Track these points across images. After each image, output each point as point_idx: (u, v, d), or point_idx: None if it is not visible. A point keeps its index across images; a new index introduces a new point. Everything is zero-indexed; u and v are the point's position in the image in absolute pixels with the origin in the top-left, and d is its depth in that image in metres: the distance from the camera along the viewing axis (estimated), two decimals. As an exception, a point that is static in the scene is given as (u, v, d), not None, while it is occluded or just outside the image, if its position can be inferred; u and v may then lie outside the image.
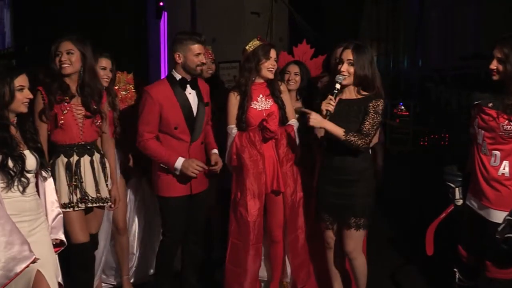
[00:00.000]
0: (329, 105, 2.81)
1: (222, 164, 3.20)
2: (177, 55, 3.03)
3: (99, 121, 2.98)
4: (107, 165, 3.05)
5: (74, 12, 7.52)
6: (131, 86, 3.59)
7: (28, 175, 2.39)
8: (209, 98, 3.23)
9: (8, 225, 2.19)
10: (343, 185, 2.89)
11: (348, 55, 2.86)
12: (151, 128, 3.02)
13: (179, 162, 3.01)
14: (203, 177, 3.21)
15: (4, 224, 2.17)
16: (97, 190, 2.96)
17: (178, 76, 3.08)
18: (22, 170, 2.34)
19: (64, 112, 2.86)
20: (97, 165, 2.98)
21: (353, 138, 2.79)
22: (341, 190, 2.91)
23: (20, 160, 2.34)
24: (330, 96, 2.83)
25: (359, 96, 2.89)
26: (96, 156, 2.99)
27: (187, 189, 3.11)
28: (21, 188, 2.35)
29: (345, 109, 2.90)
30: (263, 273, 3.40)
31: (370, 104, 2.84)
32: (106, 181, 3.02)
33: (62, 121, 2.85)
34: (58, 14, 7.48)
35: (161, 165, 3.05)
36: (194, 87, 3.12)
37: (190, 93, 3.10)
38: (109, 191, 3.06)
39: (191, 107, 3.09)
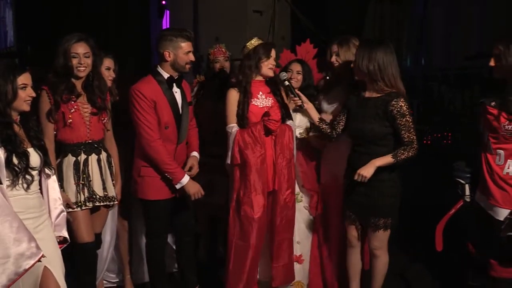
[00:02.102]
0: (292, 103, 3.17)
1: (198, 171, 3.17)
2: (167, 53, 2.97)
3: (105, 118, 2.98)
4: (115, 162, 3.05)
5: (76, 12, 7.52)
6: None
7: (33, 172, 2.39)
8: (190, 97, 3.23)
9: (15, 222, 2.20)
10: (369, 184, 2.88)
11: (334, 48, 3.18)
12: (155, 127, 2.97)
13: (186, 178, 3.02)
14: None
15: (11, 221, 2.18)
16: (104, 189, 2.97)
17: (165, 75, 3.02)
18: (26, 167, 2.35)
19: (72, 110, 2.87)
20: (104, 163, 2.98)
21: (404, 156, 2.81)
22: (367, 190, 2.90)
23: (25, 157, 2.35)
24: (290, 95, 3.16)
25: (379, 95, 2.87)
26: (103, 155, 2.99)
27: (172, 191, 3.08)
28: (25, 186, 2.36)
29: (363, 108, 2.91)
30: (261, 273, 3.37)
31: (392, 108, 2.79)
32: (112, 179, 3.02)
33: (71, 120, 2.86)
34: (60, 13, 7.48)
35: (165, 173, 3.00)
36: (179, 85, 3.08)
37: (176, 92, 3.07)
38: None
39: (178, 106, 3.06)
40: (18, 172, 2.33)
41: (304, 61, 3.63)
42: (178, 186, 3.03)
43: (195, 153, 3.23)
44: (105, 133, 3.04)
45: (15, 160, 2.32)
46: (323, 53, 3.92)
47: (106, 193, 2.98)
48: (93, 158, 2.95)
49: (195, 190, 3.07)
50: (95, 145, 2.96)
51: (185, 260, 3.32)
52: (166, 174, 3.01)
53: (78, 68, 2.85)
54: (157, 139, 2.97)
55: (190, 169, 3.14)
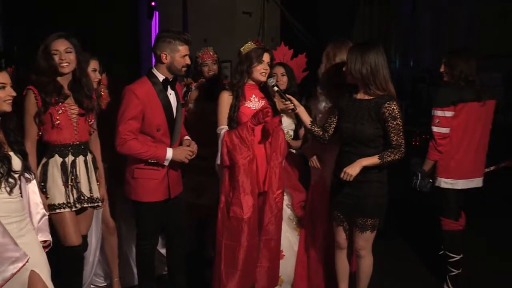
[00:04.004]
0: (285, 106, 3.14)
1: (196, 146, 3.14)
2: (164, 55, 2.95)
3: (92, 120, 2.95)
4: (99, 165, 3.03)
5: (64, 12, 7.47)
6: (104, 86, 3.51)
7: (15, 176, 2.34)
8: (182, 99, 3.23)
9: (0, 227, 2.16)
10: (357, 185, 2.88)
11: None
12: (133, 128, 2.92)
13: (170, 152, 2.99)
14: (179, 179, 3.20)
15: None
16: (90, 190, 2.95)
17: (160, 77, 3.00)
18: (9, 170, 2.30)
19: (59, 112, 2.84)
20: (90, 165, 2.96)
21: (390, 158, 2.83)
22: (354, 190, 2.91)
23: (6, 160, 2.30)
24: (281, 100, 3.13)
25: (370, 97, 2.89)
26: (89, 156, 2.98)
27: (165, 193, 3.07)
28: (8, 189, 2.31)
29: (355, 109, 2.91)
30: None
31: (384, 110, 2.81)
32: (97, 181, 3.01)
33: (58, 122, 2.83)
34: (48, 14, 7.42)
35: (149, 160, 2.96)
36: (174, 87, 3.07)
37: (170, 94, 3.05)
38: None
39: (172, 108, 3.05)
40: (1, 176, 2.28)
41: (285, 63, 3.72)
42: (166, 163, 3.00)
43: (187, 137, 3.22)
44: (90, 134, 3.02)
45: None
46: (312, 54, 3.95)
47: (92, 194, 2.96)
48: (80, 159, 2.92)
49: (184, 153, 3.03)
50: (82, 147, 2.94)
51: (175, 263, 3.30)
52: (150, 160, 2.97)
53: (61, 65, 2.80)
54: (129, 139, 2.92)
55: (190, 146, 3.12)
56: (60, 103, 2.84)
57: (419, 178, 3.47)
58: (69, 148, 2.89)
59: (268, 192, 3.13)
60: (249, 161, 3.05)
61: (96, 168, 3.01)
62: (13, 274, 2.16)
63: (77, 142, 2.91)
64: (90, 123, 2.96)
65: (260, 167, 3.13)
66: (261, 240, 3.15)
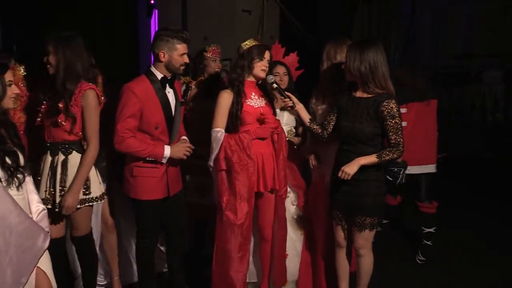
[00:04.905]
0: (282, 104, 3.21)
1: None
2: (162, 54, 2.95)
3: (61, 120, 2.85)
4: (60, 169, 2.88)
5: (63, 11, 7.45)
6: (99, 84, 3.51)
7: (23, 171, 2.35)
8: (181, 97, 3.24)
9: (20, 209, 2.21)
10: (356, 183, 2.88)
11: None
12: (131, 126, 2.92)
13: (167, 150, 2.99)
14: (179, 177, 3.20)
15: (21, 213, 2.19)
16: (46, 192, 2.88)
17: (159, 75, 3.00)
18: (18, 166, 2.31)
19: (42, 111, 2.90)
20: (56, 167, 2.89)
21: (388, 157, 2.83)
22: (353, 189, 2.91)
23: (15, 156, 2.32)
24: (280, 97, 3.16)
25: (369, 95, 2.88)
26: (59, 158, 2.90)
27: (165, 191, 3.07)
28: (17, 184, 2.32)
29: (354, 108, 2.91)
30: (251, 275, 3.34)
31: (383, 109, 2.80)
32: (62, 185, 2.87)
33: (39, 119, 2.90)
34: (47, 13, 7.41)
35: (147, 158, 2.96)
36: (172, 86, 3.07)
37: (169, 92, 3.05)
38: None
39: (171, 106, 3.05)
40: (13, 171, 2.28)
41: (284, 62, 3.73)
42: (164, 161, 3.00)
43: (184, 137, 3.22)
44: (78, 136, 2.92)
45: (8, 160, 2.28)
46: (311, 52, 3.95)
47: (44, 196, 2.85)
48: (46, 158, 2.91)
49: (182, 150, 3.05)
50: (52, 147, 2.91)
51: (175, 261, 3.30)
52: (148, 158, 2.97)
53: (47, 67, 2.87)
54: (127, 137, 2.91)
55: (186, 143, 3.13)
56: (44, 102, 2.90)
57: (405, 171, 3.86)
58: (45, 146, 2.94)
59: (278, 190, 3.16)
60: (247, 168, 3.03)
61: (55, 172, 2.87)
62: (44, 250, 2.21)
63: (48, 142, 2.92)
64: (59, 123, 2.84)
65: (268, 165, 3.12)
66: (277, 239, 3.19)
